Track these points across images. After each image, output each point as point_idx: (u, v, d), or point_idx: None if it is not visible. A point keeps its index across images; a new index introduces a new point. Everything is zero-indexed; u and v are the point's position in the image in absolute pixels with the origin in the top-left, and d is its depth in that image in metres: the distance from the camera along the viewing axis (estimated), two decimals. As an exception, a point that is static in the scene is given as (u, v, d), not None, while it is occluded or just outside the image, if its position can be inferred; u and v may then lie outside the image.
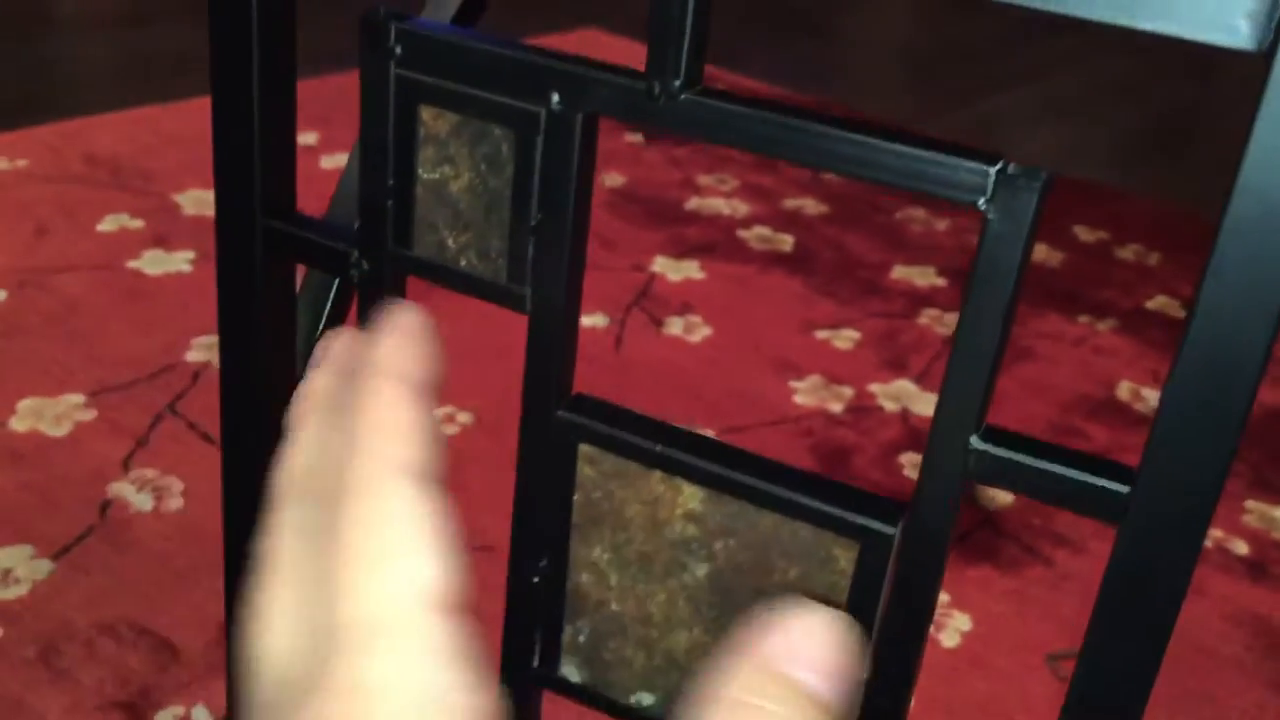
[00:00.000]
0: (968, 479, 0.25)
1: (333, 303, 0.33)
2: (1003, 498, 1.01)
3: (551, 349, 0.28)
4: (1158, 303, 1.39)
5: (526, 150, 0.26)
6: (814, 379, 1.16)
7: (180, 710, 0.72)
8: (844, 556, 0.26)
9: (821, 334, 1.24)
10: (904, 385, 1.16)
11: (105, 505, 0.87)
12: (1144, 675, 0.24)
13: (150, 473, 0.91)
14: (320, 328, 0.33)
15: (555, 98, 0.25)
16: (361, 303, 0.29)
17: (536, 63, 0.25)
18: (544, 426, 0.28)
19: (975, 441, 0.24)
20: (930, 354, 1.22)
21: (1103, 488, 0.23)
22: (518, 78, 0.25)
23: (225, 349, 0.32)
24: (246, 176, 0.29)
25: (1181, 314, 1.37)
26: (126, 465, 0.92)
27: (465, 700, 0.25)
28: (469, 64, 0.26)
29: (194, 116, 1.56)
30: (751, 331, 1.23)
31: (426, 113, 0.27)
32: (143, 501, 0.88)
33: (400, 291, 0.29)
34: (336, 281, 0.34)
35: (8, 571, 0.80)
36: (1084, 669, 0.25)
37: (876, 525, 0.26)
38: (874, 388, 1.15)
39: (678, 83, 0.23)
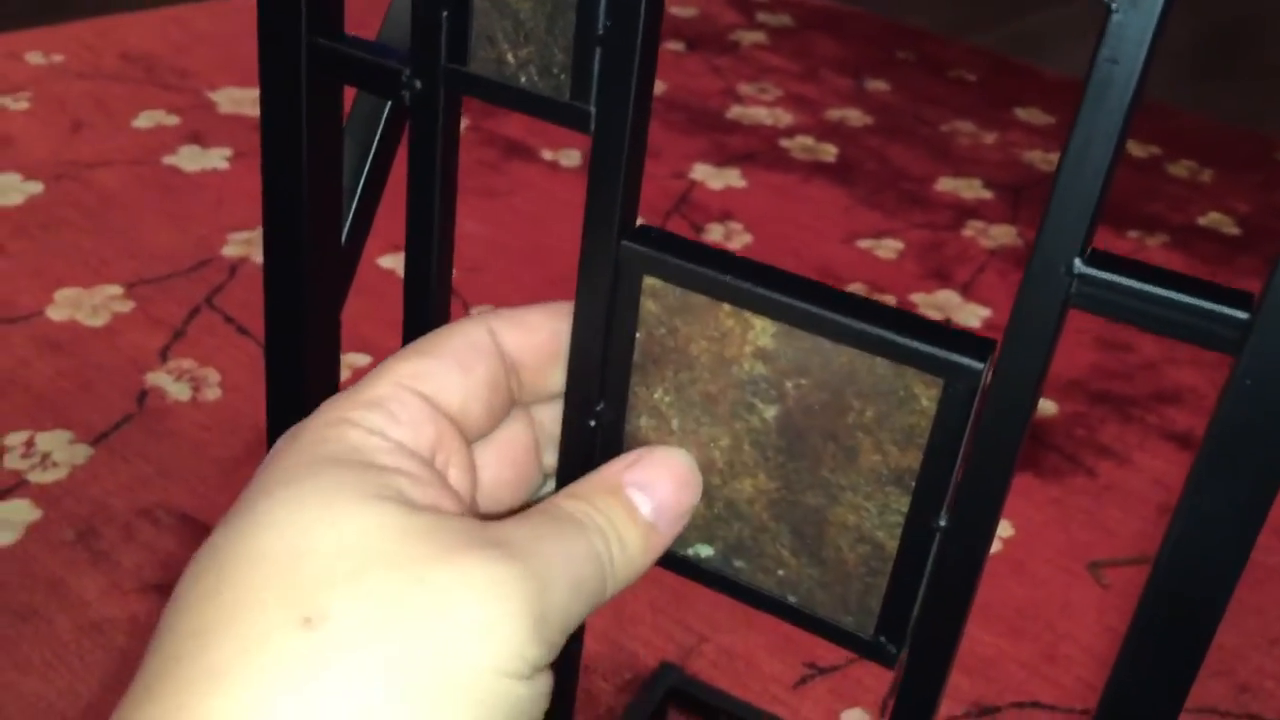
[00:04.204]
0: (1069, 307, 0.23)
1: (382, 134, 0.32)
2: (1046, 408, 0.99)
3: (616, 173, 0.26)
4: (1210, 219, 1.35)
5: (596, -50, 0.24)
6: (855, 287, 1.14)
7: (218, 593, 0.72)
8: (925, 395, 0.25)
9: (864, 244, 1.21)
10: (948, 296, 1.14)
11: (143, 394, 0.87)
12: (1250, 523, 0.22)
13: (188, 363, 0.90)
14: (369, 162, 0.32)
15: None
16: (414, 130, 0.28)
17: None
18: (606, 258, 0.27)
19: (1080, 265, 0.22)
20: (974, 266, 1.19)
21: (1220, 313, 0.21)
22: None
23: (269, 183, 0.30)
24: (293, -10, 0.27)
25: (1235, 231, 1.33)
26: (164, 356, 0.91)
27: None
28: None
29: (228, 15, 1.53)
30: (792, 240, 1.21)
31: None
32: (180, 391, 0.87)
33: (455, 115, 0.28)
34: (386, 111, 0.32)
35: (46, 455, 0.80)
36: (1182, 518, 0.23)
37: (963, 360, 0.24)
38: (917, 297, 1.13)
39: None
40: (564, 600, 0.24)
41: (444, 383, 0.27)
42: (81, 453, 0.81)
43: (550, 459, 0.31)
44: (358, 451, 0.25)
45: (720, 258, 0.26)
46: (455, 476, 0.27)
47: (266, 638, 0.22)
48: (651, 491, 0.28)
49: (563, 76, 0.26)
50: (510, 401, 0.29)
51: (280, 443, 0.26)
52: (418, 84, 0.27)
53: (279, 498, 0.24)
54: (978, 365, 0.24)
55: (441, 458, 0.27)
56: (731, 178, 1.31)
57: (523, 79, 0.26)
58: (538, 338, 0.29)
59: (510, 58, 0.26)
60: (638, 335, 0.27)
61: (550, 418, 0.30)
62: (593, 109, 0.26)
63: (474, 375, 0.28)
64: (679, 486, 0.28)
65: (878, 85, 1.59)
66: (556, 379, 0.29)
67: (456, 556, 0.23)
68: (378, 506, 0.24)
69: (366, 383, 0.27)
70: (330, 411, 0.26)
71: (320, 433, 0.26)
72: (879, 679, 0.72)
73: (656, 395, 0.28)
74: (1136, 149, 1.49)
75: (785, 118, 1.46)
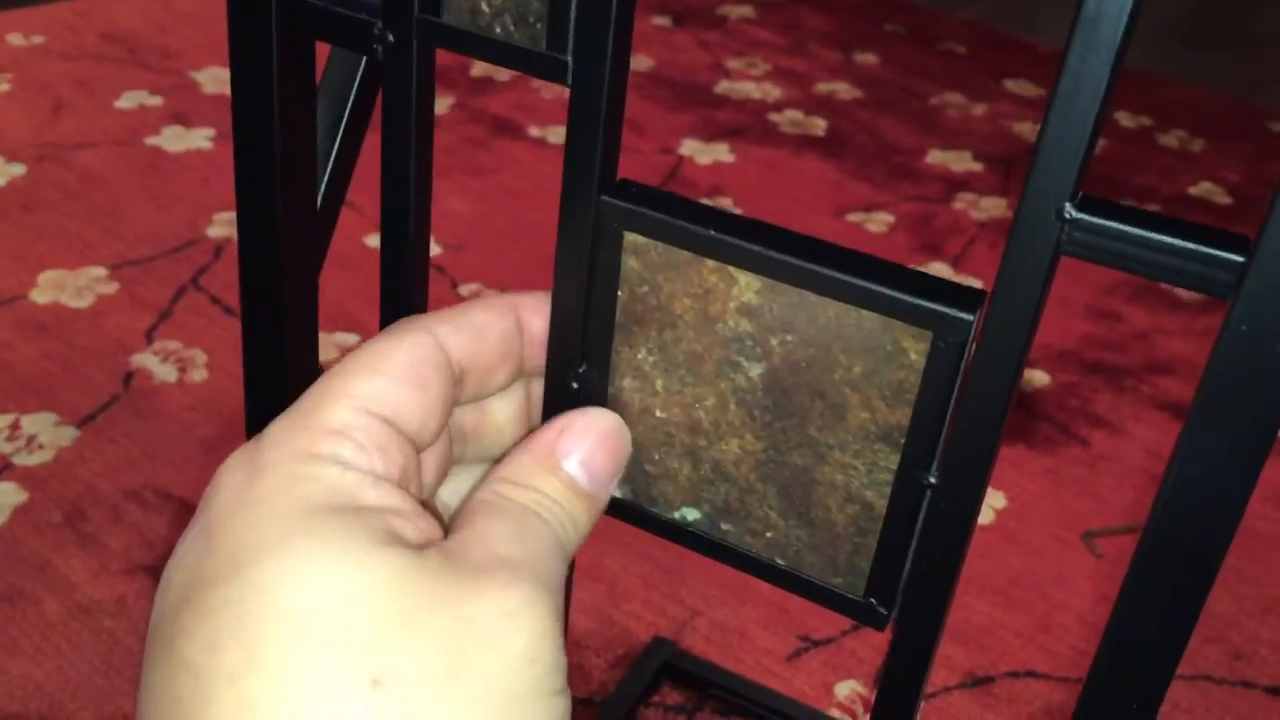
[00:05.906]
0: (1060, 253, 0.22)
1: (356, 95, 0.31)
2: (1038, 379, 0.99)
3: (594, 126, 0.25)
4: (1201, 189, 1.35)
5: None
6: (847, 261, 1.13)
7: (207, 574, 0.71)
8: (914, 348, 0.24)
9: (854, 217, 1.21)
10: (939, 268, 1.13)
11: (129, 376, 0.86)
12: (1246, 474, 0.22)
13: (173, 345, 0.90)
14: (344, 124, 0.31)
15: None
16: (387, 86, 0.27)
17: None
18: (585, 214, 0.26)
19: (1071, 210, 0.22)
20: (965, 238, 1.19)
21: (1216, 257, 0.21)
22: None
23: (241, 145, 0.29)
24: (261, -57, 0.27)
25: (1226, 201, 1.33)
26: (149, 337, 0.90)
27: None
28: None
29: (211, -6, 1.52)
30: (782, 214, 1.20)
31: None
32: (166, 372, 0.87)
33: (429, 70, 0.27)
34: (360, 74, 0.32)
35: (32, 437, 0.79)
36: (1176, 472, 0.23)
37: (952, 311, 0.23)
38: (908, 270, 1.12)
39: None
40: (561, 599, 0.25)
41: (402, 404, 0.26)
42: (67, 435, 0.80)
43: (457, 452, 0.30)
44: (343, 493, 0.24)
45: (702, 212, 0.25)
46: (414, 494, 0.27)
47: (341, 707, 0.21)
48: (584, 458, 0.27)
49: (539, 26, 0.25)
50: (451, 409, 0.28)
51: (237, 475, 0.25)
52: (390, 37, 0.26)
53: (299, 550, 0.23)
54: (967, 317, 0.23)
55: (407, 480, 0.27)
56: (720, 152, 1.30)
57: (498, 29, 0.26)
58: (487, 342, 0.28)
59: (485, 6, 0.25)
60: (620, 294, 0.27)
61: (470, 421, 0.30)
62: (570, 59, 0.25)
63: (430, 393, 0.27)
64: (609, 451, 0.28)
65: (866, 58, 1.58)
66: (500, 379, 0.29)
67: (483, 588, 0.23)
68: (395, 552, 0.23)
69: (322, 404, 0.26)
70: (293, 443, 0.25)
71: (294, 469, 0.24)
72: (873, 650, 0.71)
73: (640, 355, 0.27)
74: (1127, 120, 1.49)
75: (774, 92, 1.45)
